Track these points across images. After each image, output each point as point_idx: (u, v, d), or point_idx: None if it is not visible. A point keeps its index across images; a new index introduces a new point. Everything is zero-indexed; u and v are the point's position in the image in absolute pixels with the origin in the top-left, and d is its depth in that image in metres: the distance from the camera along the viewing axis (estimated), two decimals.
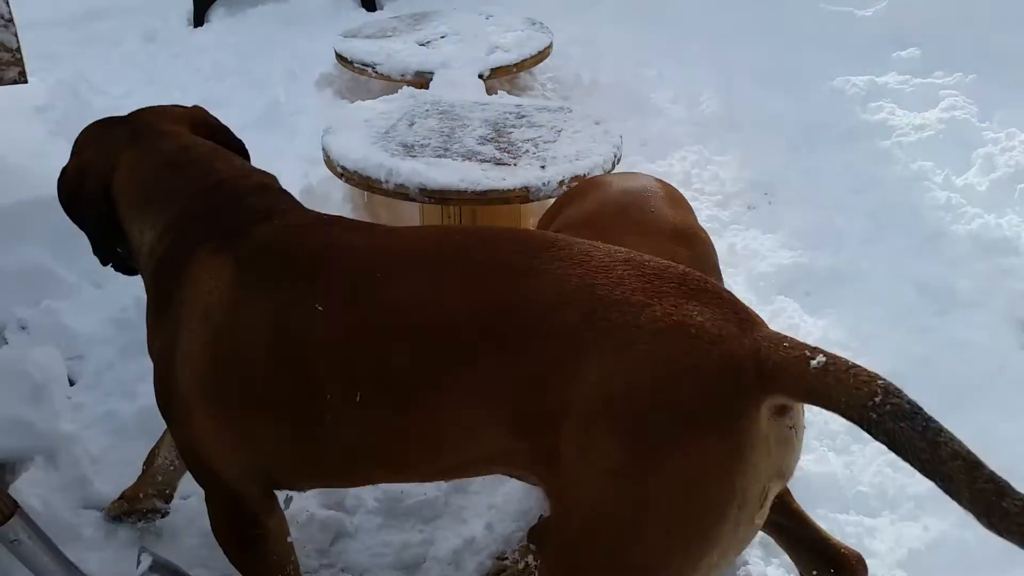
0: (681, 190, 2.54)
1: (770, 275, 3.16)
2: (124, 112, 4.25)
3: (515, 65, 4.26)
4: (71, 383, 2.65)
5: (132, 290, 2.90)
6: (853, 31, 4.89)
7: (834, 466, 2.34)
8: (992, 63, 4.32)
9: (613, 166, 3.17)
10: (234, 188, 1.74)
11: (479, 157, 3.06)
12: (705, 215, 3.33)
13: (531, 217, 3.35)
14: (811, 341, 2.69)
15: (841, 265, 3.18)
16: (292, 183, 3.63)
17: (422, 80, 4.10)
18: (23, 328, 2.83)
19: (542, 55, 4.40)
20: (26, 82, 3.05)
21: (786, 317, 2.93)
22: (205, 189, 1.74)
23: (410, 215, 3.37)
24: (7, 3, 2.94)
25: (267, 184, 1.81)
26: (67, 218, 2.04)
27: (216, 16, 5.72)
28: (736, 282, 3.10)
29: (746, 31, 5.03)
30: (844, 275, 3.13)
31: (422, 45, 4.30)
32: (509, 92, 4.39)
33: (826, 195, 3.55)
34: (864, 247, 3.24)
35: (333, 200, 3.41)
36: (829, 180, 3.66)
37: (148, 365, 1.75)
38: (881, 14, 4.90)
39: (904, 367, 2.63)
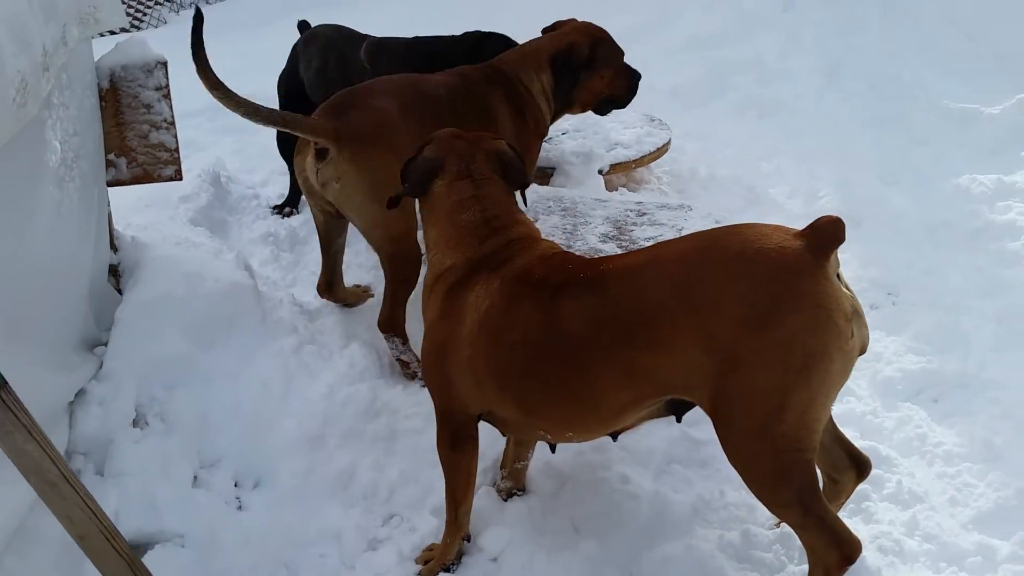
0: None
1: (896, 380, 3.10)
2: (261, 198, 4.45)
3: (634, 161, 4.35)
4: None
5: (261, 373, 3.07)
6: (980, 128, 4.81)
7: None
8: None
9: None
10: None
11: (601, 255, 3.13)
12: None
13: None
14: (939, 452, 2.66)
15: (970, 372, 3.10)
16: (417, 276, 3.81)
17: (543, 175, 4.24)
18: (160, 415, 2.95)
19: (661, 151, 4.49)
20: (181, 179, 3.29)
21: (913, 426, 2.87)
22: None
23: None
24: (170, 107, 3.22)
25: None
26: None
27: None
28: (860, 386, 3.06)
29: (867, 126, 5.02)
30: (974, 383, 3.05)
31: (544, 141, 4.44)
32: (626, 186, 4.50)
33: (952, 297, 3.48)
34: (994, 354, 3.15)
35: None
36: (955, 282, 3.58)
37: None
38: (1010, 111, 4.81)
39: None
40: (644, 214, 3.49)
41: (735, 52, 5.99)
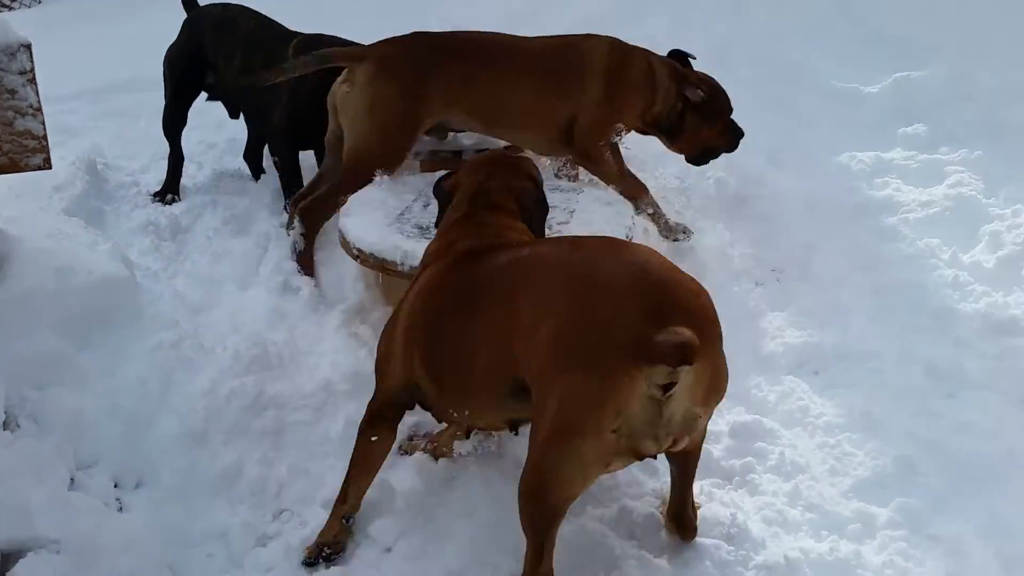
0: (688, 265, 2.60)
1: (778, 354, 3.18)
2: (141, 185, 4.32)
3: None
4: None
5: (139, 370, 2.96)
6: (860, 107, 4.97)
7: None
8: (997, 138, 4.38)
9: None
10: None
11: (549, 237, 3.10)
12: (714, 292, 3.37)
13: None
14: (820, 423, 2.74)
15: (849, 344, 3.19)
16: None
17: (434, 160, 4.18)
18: (32, 416, 2.82)
19: None
20: (50, 168, 3.12)
21: (795, 398, 2.95)
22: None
23: None
24: (36, 92, 3.04)
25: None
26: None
27: None
28: (745, 360, 3.12)
29: (754, 107, 5.10)
30: (853, 354, 3.15)
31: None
32: None
33: (833, 272, 3.58)
34: (872, 325, 3.26)
35: (347, 278, 3.45)
36: (836, 257, 3.69)
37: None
38: (887, 90, 4.99)
39: (913, 451, 2.65)
40: None
41: (624, 34, 6.00)
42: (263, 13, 4.43)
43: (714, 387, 2.04)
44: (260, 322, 3.41)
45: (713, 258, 3.67)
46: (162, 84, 4.61)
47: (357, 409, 2.95)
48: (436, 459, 2.74)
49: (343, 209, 3.38)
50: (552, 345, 1.98)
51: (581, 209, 3.37)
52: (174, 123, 4.57)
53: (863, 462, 2.65)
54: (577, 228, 3.20)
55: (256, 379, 3.07)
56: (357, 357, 3.11)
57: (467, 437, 2.77)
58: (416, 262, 2.97)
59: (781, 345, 3.18)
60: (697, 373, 1.92)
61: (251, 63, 4.14)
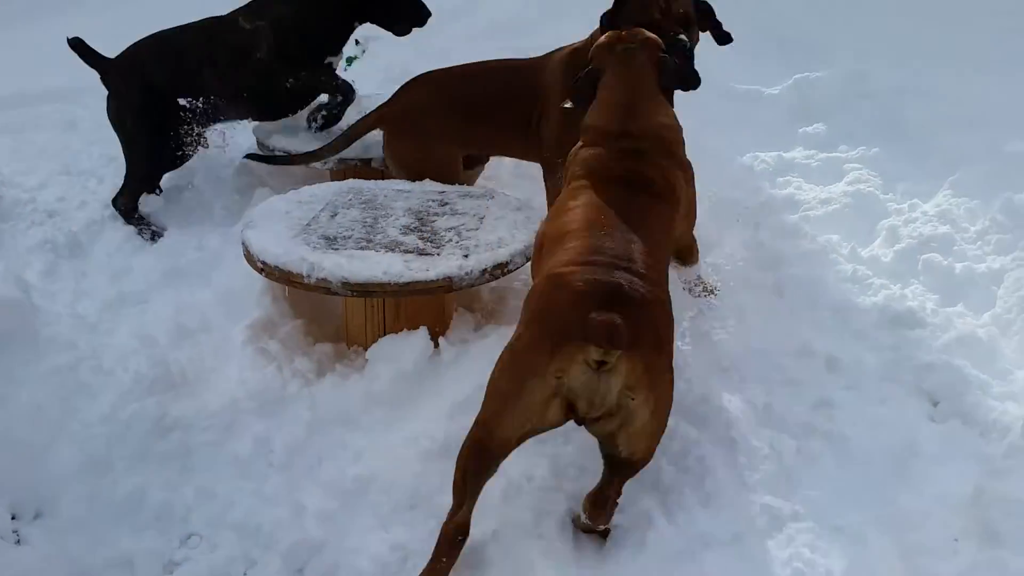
0: None
1: (686, 352, 3.21)
2: (38, 203, 4.17)
3: None
4: None
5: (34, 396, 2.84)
6: (762, 108, 5.09)
7: None
8: (893, 136, 4.53)
9: None
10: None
11: (402, 248, 3.09)
12: None
13: (455, 303, 3.39)
14: (724, 418, 2.78)
15: (752, 340, 3.23)
16: (210, 277, 3.64)
17: (344, 167, 4.13)
18: None
19: None
20: None
21: (700, 394, 2.98)
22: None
23: (332, 307, 3.36)
24: None
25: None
26: None
27: None
28: None
29: None
30: (755, 350, 3.18)
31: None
32: None
33: (737, 271, 3.62)
34: (773, 322, 3.31)
35: (251, 292, 3.37)
36: (739, 256, 3.74)
37: None
38: (787, 91, 5.11)
39: (815, 444, 2.71)
40: (446, 203, 3.46)
41: (535, 39, 6.03)
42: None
43: (647, 382, 2.21)
44: (163, 340, 3.31)
45: None
46: (65, 97, 4.43)
47: (265, 427, 2.91)
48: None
49: (247, 221, 3.31)
50: (533, 306, 2.35)
51: (491, 215, 3.37)
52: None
53: (768, 456, 2.70)
54: (487, 233, 3.20)
55: (159, 400, 2.97)
56: (265, 374, 3.04)
57: None
58: (323, 274, 2.94)
59: (688, 346, 3.22)
60: (630, 362, 2.17)
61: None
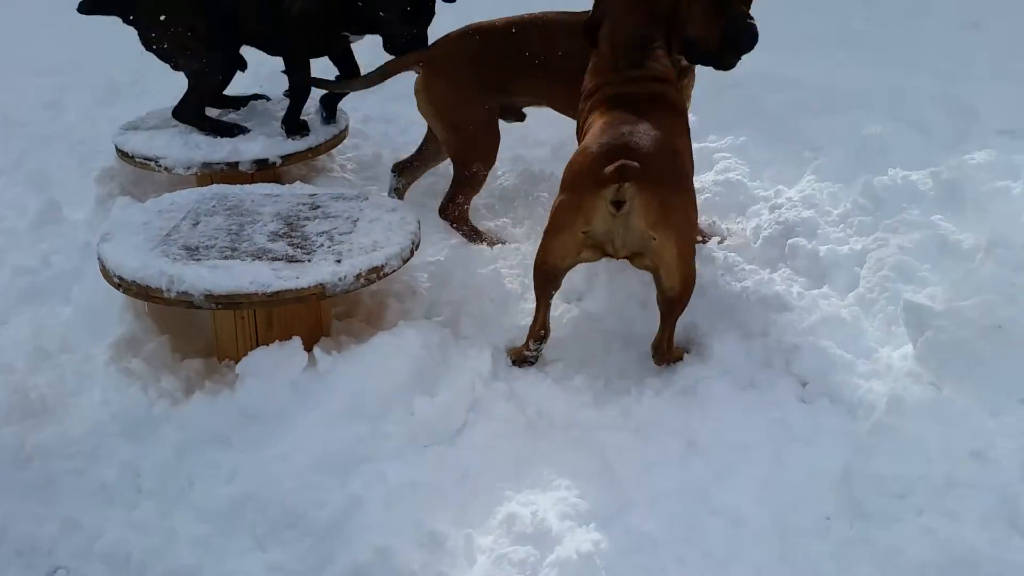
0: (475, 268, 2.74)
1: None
2: None
3: (310, 150, 4.19)
4: None
5: None
6: None
7: None
8: (759, 124, 4.64)
9: (411, 254, 3.17)
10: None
11: (270, 255, 2.98)
12: (495, 280, 3.46)
13: (331, 311, 3.30)
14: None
15: (628, 328, 3.25)
16: (69, 294, 3.44)
17: (210, 172, 3.98)
18: None
19: (338, 139, 4.36)
20: None
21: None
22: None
23: (201, 320, 3.23)
24: None
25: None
26: None
27: None
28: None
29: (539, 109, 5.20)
30: (634, 337, 3.20)
31: (208, 135, 4.16)
32: (306, 177, 4.34)
33: (608, 264, 3.64)
34: (644, 310, 3.34)
35: (113, 309, 3.21)
36: None
37: None
38: None
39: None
40: (318, 207, 3.36)
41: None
42: None
43: (664, 218, 2.72)
44: (20, 365, 3.11)
45: (498, 252, 3.67)
46: None
47: (132, 451, 2.78)
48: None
49: (103, 234, 3.14)
50: (564, 177, 2.92)
51: (365, 217, 3.29)
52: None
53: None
54: (361, 237, 3.13)
55: (16, 429, 2.80)
56: (129, 394, 2.89)
57: None
58: (184, 287, 2.81)
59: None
60: (644, 200, 2.69)
61: None
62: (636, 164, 2.63)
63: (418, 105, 3.89)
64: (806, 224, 3.63)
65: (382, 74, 3.92)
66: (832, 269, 3.41)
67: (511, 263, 3.62)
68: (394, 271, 3.07)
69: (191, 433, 2.80)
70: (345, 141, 4.50)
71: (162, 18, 4.03)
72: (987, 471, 2.28)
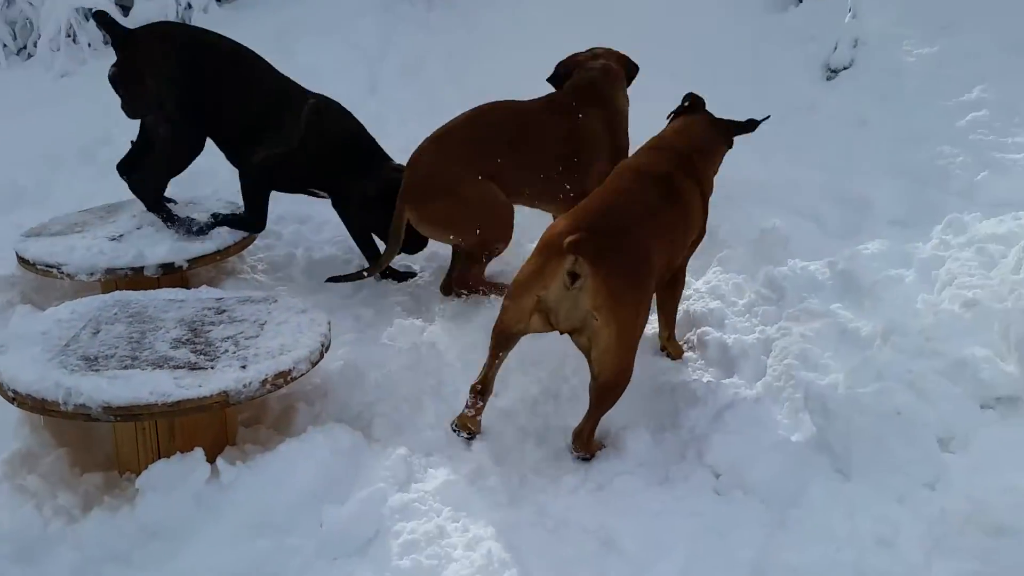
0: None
1: None
2: None
3: (218, 253, 4.14)
4: None
5: None
6: None
7: None
8: None
9: (321, 356, 3.13)
10: None
11: (172, 363, 2.91)
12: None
13: (237, 417, 3.21)
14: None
15: (535, 426, 3.26)
16: None
17: (115, 278, 3.89)
18: None
19: (247, 241, 4.33)
20: None
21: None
22: None
23: (102, 432, 3.10)
24: None
25: None
26: None
27: None
28: None
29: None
30: (540, 434, 3.22)
31: (113, 239, 4.08)
32: (214, 280, 4.27)
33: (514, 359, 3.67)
34: (558, 405, 3.34)
35: (8, 424, 3.06)
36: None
37: None
38: None
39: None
40: (223, 311, 3.31)
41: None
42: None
43: (608, 304, 2.84)
44: None
45: (412, 343, 3.65)
46: None
47: (22, 572, 2.62)
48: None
49: None
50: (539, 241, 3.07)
51: (273, 320, 3.24)
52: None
53: None
54: (268, 340, 3.08)
55: None
56: (22, 513, 2.74)
57: None
58: (81, 399, 2.71)
59: None
60: (594, 283, 2.83)
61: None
62: (588, 241, 2.79)
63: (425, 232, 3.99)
64: (714, 315, 3.72)
65: (397, 239, 3.93)
66: (740, 359, 3.48)
67: (425, 360, 3.60)
68: (302, 374, 3.03)
69: (89, 552, 2.67)
70: (256, 241, 4.48)
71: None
72: (894, 558, 2.31)
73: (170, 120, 4.10)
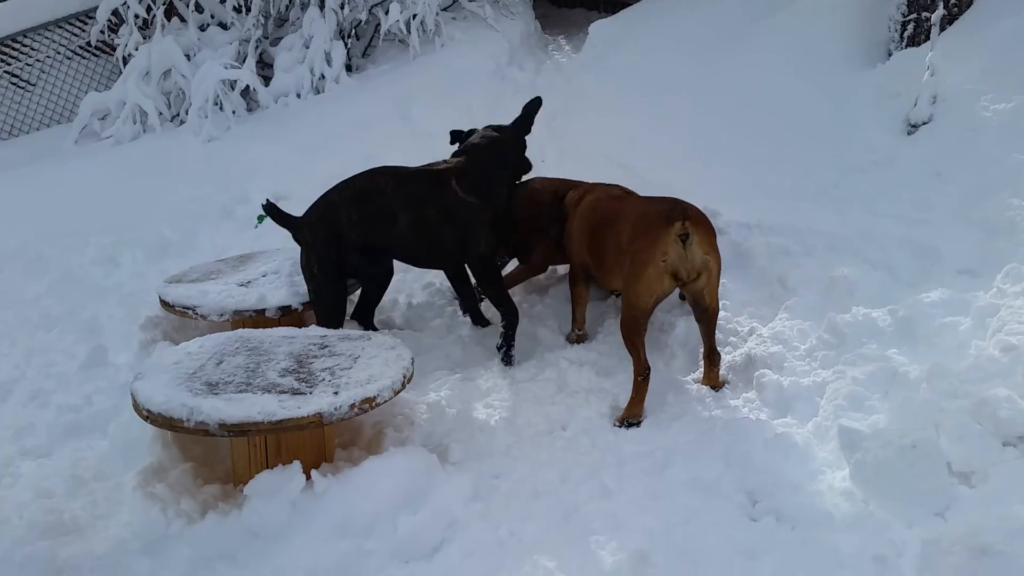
0: None
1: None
2: None
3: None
4: None
5: None
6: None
7: None
8: (742, 266, 4.90)
9: (403, 386, 3.56)
10: None
11: (278, 389, 3.39)
12: None
13: (335, 438, 3.67)
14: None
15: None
16: (107, 429, 3.87)
17: (242, 319, 4.45)
18: None
19: (356, 286, 4.83)
20: None
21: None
22: None
23: (223, 450, 3.62)
24: None
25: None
26: None
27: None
28: None
29: None
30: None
31: (241, 285, 4.67)
32: None
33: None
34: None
35: (144, 441, 3.62)
36: None
37: None
38: None
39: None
40: (326, 346, 3.79)
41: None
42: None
43: (714, 248, 3.79)
44: (59, 491, 3.52)
45: (492, 385, 4.03)
46: None
47: (149, 566, 3.11)
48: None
49: (137, 374, 3.59)
50: (629, 234, 3.87)
51: (365, 355, 3.70)
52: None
53: None
54: (359, 372, 3.53)
55: (50, 544, 3.17)
56: (151, 515, 3.26)
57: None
58: (201, 417, 3.22)
59: None
60: (700, 235, 3.70)
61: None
62: (688, 206, 3.78)
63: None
64: (774, 358, 3.95)
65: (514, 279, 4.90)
66: (795, 400, 3.70)
67: (502, 396, 3.99)
68: (386, 401, 3.45)
69: (203, 550, 3.15)
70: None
71: None
72: (886, 573, 2.51)
73: None
